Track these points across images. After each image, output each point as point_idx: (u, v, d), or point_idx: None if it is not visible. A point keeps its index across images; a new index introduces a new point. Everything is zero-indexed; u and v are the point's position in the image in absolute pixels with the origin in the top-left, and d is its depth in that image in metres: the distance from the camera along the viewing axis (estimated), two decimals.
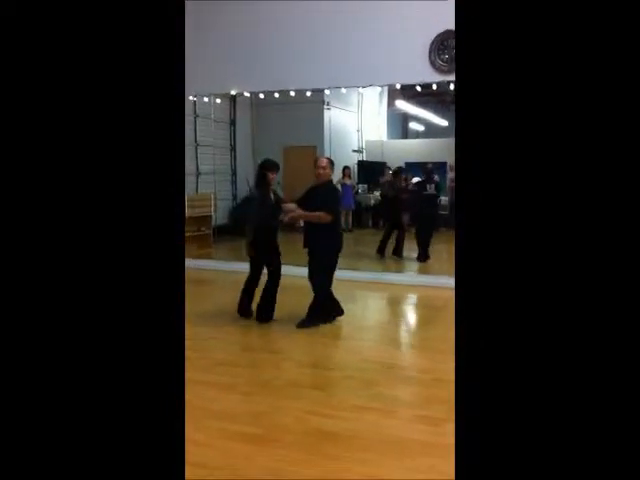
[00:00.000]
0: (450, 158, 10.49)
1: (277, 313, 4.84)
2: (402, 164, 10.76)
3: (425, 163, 8.17)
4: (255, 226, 4.61)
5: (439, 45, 6.10)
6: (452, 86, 6.28)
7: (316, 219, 4.42)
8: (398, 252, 7.90)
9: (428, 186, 7.69)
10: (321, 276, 4.54)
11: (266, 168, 4.69)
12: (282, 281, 4.78)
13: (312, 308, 4.57)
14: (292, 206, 4.61)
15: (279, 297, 4.79)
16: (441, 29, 6.02)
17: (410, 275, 7.15)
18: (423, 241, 7.64)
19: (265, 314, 4.72)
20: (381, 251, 7.88)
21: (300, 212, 4.52)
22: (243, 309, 4.82)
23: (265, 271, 4.81)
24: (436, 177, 7.84)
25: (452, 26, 5.19)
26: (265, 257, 4.71)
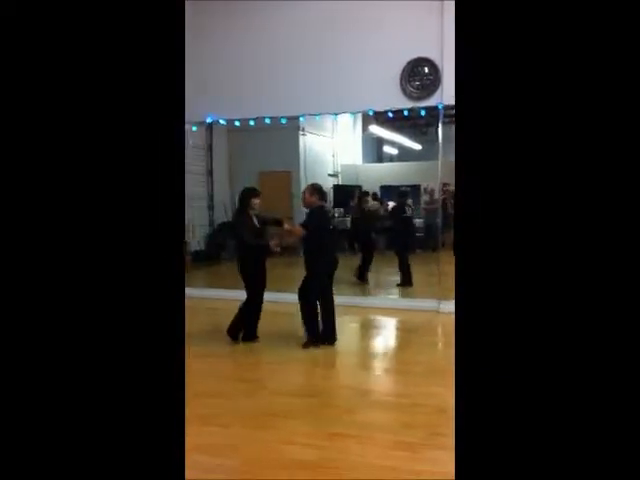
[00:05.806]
0: (423, 181, 10.64)
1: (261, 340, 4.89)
2: (377, 187, 10.85)
3: (399, 186, 8.24)
4: (245, 246, 4.75)
5: (410, 72, 6.24)
6: (423, 112, 6.42)
7: (288, 234, 5.01)
8: (361, 276, 7.59)
9: (406, 209, 7.69)
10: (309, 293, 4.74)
11: (249, 194, 4.87)
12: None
13: (306, 323, 4.75)
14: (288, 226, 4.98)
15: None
16: (412, 57, 6.17)
17: (389, 299, 7.14)
18: (404, 265, 7.37)
19: (232, 332, 4.89)
20: (359, 276, 7.64)
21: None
22: (246, 333, 4.91)
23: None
24: (409, 200, 7.90)
25: (422, 54, 5.27)
26: (251, 277, 4.78)
